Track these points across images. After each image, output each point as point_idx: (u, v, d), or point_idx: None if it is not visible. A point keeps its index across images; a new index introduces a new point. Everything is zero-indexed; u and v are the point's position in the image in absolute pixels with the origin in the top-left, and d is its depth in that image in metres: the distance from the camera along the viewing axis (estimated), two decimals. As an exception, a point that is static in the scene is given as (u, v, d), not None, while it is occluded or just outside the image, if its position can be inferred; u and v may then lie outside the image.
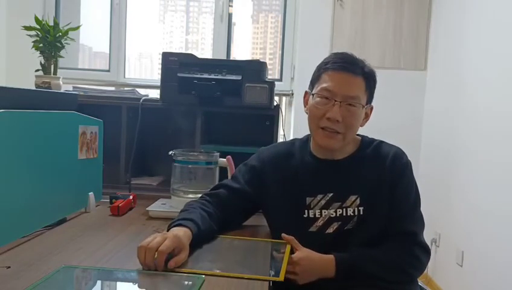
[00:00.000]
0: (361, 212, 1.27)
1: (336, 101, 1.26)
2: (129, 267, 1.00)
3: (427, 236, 3.08)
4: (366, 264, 1.21)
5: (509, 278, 2.23)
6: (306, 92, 1.36)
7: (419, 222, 1.29)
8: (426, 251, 1.27)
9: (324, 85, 1.28)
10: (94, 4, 3.72)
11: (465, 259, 2.70)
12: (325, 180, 1.31)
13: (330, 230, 1.28)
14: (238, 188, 1.36)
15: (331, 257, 1.21)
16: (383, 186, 1.27)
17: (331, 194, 1.29)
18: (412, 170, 1.31)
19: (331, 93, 1.26)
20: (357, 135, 1.38)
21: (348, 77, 1.27)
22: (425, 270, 3.12)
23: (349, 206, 1.27)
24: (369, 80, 1.30)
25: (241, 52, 3.73)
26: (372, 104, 1.35)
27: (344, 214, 1.28)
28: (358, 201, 1.27)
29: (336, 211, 1.28)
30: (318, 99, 1.28)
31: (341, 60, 1.29)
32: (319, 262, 1.21)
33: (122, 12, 3.55)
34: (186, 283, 0.93)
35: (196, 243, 1.12)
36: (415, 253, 1.24)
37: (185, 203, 1.32)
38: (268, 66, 2.46)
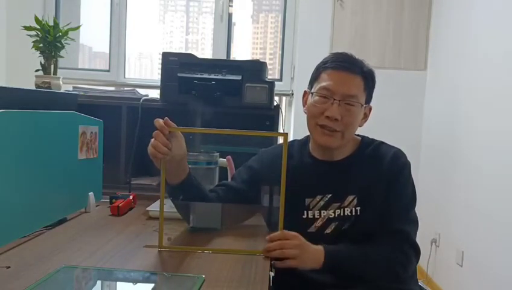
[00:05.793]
0: (358, 213, 1.27)
1: (334, 99, 1.26)
2: (129, 267, 1.00)
3: (427, 236, 3.10)
4: (355, 260, 1.19)
5: (509, 278, 2.23)
6: (305, 92, 1.37)
7: (413, 223, 1.28)
8: (416, 252, 1.25)
9: (323, 84, 1.28)
10: (94, 4, 3.72)
11: (465, 259, 2.70)
12: (324, 181, 1.31)
13: (328, 230, 1.28)
14: (235, 186, 1.38)
15: (320, 248, 1.18)
16: (380, 186, 1.27)
17: (330, 195, 1.30)
18: (410, 171, 1.31)
19: (330, 92, 1.27)
20: (358, 135, 1.38)
21: (346, 75, 1.27)
22: (425, 270, 3.13)
23: (346, 207, 1.28)
24: (368, 79, 1.31)
25: (241, 52, 3.73)
26: (372, 104, 1.36)
27: (342, 214, 1.28)
28: (355, 201, 1.27)
29: (334, 212, 1.28)
30: (317, 98, 1.29)
31: (340, 60, 1.29)
32: (312, 251, 1.17)
33: (122, 12, 3.55)
34: (186, 283, 0.93)
35: (189, 185, 1.26)
36: (406, 251, 1.22)
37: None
38: (268, 66, 2.46)
